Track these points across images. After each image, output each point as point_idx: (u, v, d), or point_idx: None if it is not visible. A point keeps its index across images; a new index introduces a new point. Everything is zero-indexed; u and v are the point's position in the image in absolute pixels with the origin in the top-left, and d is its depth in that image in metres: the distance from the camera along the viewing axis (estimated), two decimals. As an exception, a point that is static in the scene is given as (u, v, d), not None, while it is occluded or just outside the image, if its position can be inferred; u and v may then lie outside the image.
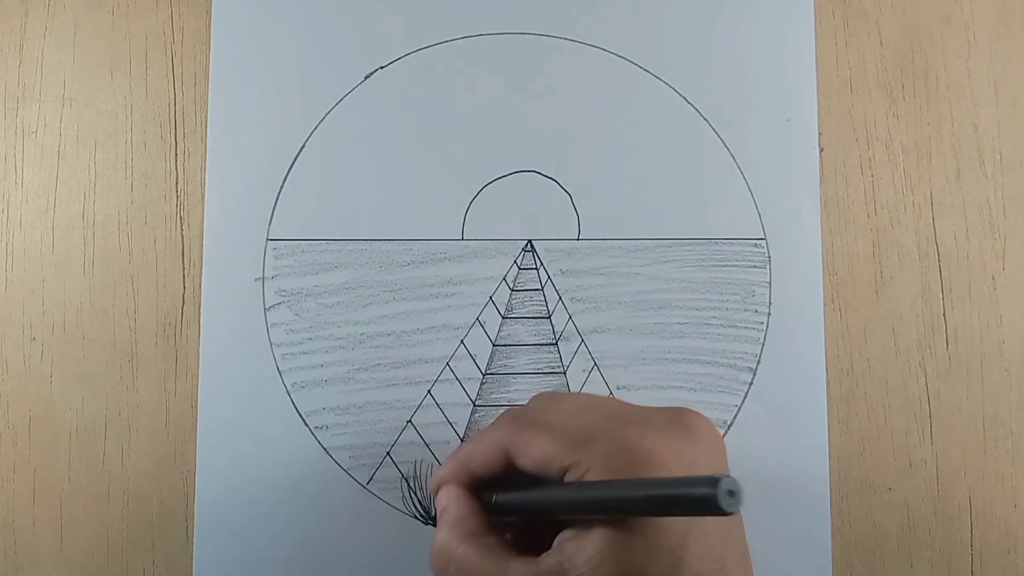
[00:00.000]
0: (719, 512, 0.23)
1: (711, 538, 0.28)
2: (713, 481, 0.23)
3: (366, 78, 0.43)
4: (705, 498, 0.23)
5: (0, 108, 0.42)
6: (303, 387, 0.41)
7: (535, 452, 0.30)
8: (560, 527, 0.29)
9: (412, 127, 0.43)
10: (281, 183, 0.42)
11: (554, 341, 0.42)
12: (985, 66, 0.44)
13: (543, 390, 0.41)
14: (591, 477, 0.28)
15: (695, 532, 0.28)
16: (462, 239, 0.42)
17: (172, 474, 0.40)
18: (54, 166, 0.42)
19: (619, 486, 0.27)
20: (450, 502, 0.32)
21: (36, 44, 0.43)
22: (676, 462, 0.28)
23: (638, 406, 0.33)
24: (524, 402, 0.41)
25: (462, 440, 0.41)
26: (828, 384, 0.42)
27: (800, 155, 0.43)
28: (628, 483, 0.27)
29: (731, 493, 0.23)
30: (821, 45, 0.44)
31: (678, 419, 0.31)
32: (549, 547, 0.29)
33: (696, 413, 0.32)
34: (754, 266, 0.42)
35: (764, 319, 0.42)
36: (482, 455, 0.32)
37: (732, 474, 0.25)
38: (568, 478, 0.29)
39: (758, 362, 0.42)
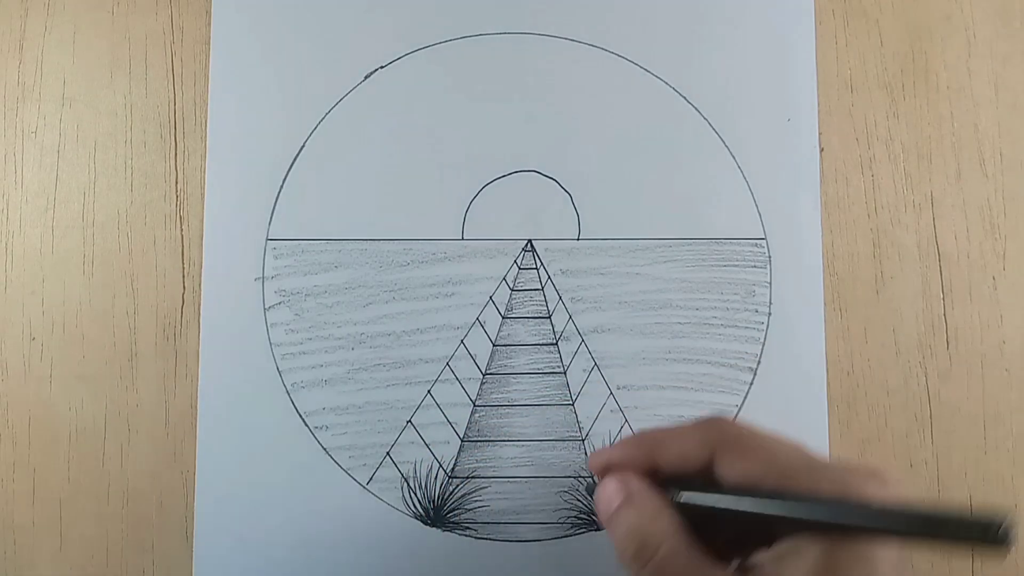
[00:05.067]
0: (1000, 545, 0.24)
1: None
2: (1001, 517, 0.24)
3: (366, 78, 0.43)
4: (992, 528, 0.24)
5: (0, 108, 0.42)
6: (303, 387, 0.41)
7: (742, 468, 0.28)
8: (742, 538, 0.28)
9: (412, 127, 0.43)
10: (281, 183, 0.42)
11: (554, 341, 0.42)
12: (985, 66, 0.44)
13: (541, 393, 0.41)
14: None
15: None
16: (462, 239, 0.42)
17: (172, 474, 0.40)
18: (54, 166, 0.42)
19: (899, 508, 0.26)
20: (662, 544, 0.29)
21: (36, 44, 0.43)
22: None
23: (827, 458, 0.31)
24: (525, 403, 0.41)
25: (462, 441, 0.41)
26: (828, 384, 0.42)
27: (800, 155, 0.43)
28: (905, 507, 0.26)
29: (1008, 531, 0.24)
30: (821, 45, 0.44)
31: (872, 474, 0.29)
32: (722, 555, 0.28)
33: (886, 474, 0.29)
34: (754, 266, 0.42)
35: (764, 319, 0.42)
36: (679, 448, 0.30)
37: None
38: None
39: (758, 362, 0.42)
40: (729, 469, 0.29)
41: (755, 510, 0.28)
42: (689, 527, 0.29)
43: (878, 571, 0.26)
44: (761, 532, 0.28)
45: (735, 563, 0.29)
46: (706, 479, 0.29)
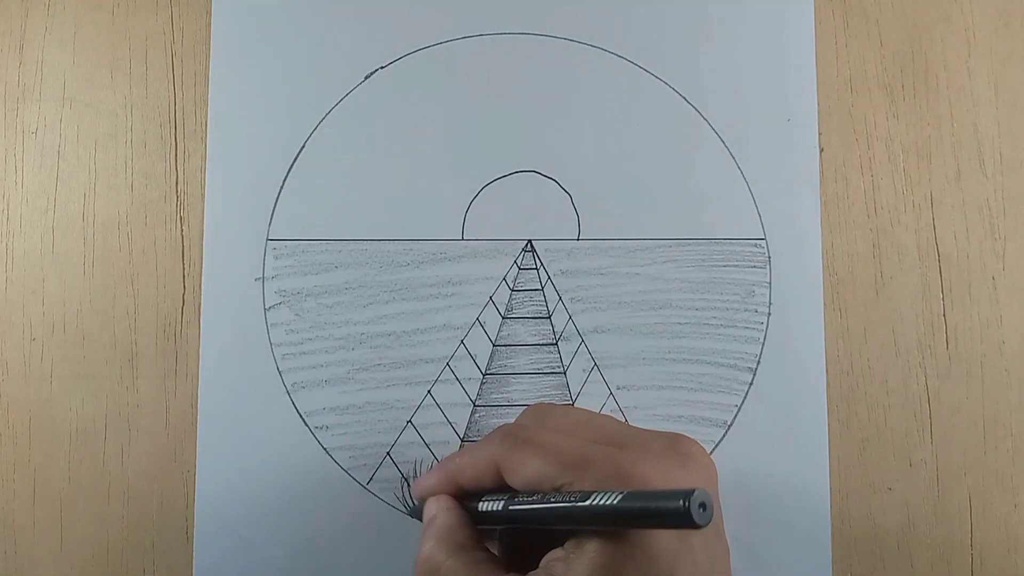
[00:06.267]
0: (692, 525, 0.24)
1: (700, 567, 0.28)
2: (686, 494, 0.24)
3: (366, 78, 0.43)
4: (678, 511, 0.24)
5: (0, 108, 0.42)
6: (303, 387, 0.41)
7: (527, 471, 0.30)
8: (546, 544, 0.29)
9: (412, 127, 0.43)
10: (281, 183, 0.42)
11: (554, 341, 0.42)
12: (985, 66, 0.44)
13: (541, 393, 0.41)
14: None
15: (685, 561, 0.28)
16: (462, 239, 0.42)
17: (172, 474, 0.40)
18: (54, 166, 0.42)
19: (598, 498, 0.27)
20: (439, 512, 0.32)
21: (36, 44, 0.43)
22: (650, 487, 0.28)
23: (633, 428, 0.33)
24: (525, 402, 0.41)
25: (462, 441, 0.41)
26: (828, 384, 0.42)
27: (800, 155, 0.43)
28: (607, 495, 0.27)
29: (703, 506, 0.24)
30: (821, 45, 0.44)
31: (673, 446, 0.31)
32: (534, 564, 0.29)
33: (691, 440, 0.32)
34: (754, 266, 0.42)
35: (764, 319, 0.42)
36: (472, 469, 0.32)
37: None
38: None
39: (758, 362, 0.42)
40: (516, 477, 0.30)
41: (505, 513, 0.30)
42: (480, 541, 0.31)
43: (655, 560, 0.27)
44: (562, 534, 0.29)
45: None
46: (508, 491, 0.31)
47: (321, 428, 0.41)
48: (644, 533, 0.28)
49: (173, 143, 0.42)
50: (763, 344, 0.42)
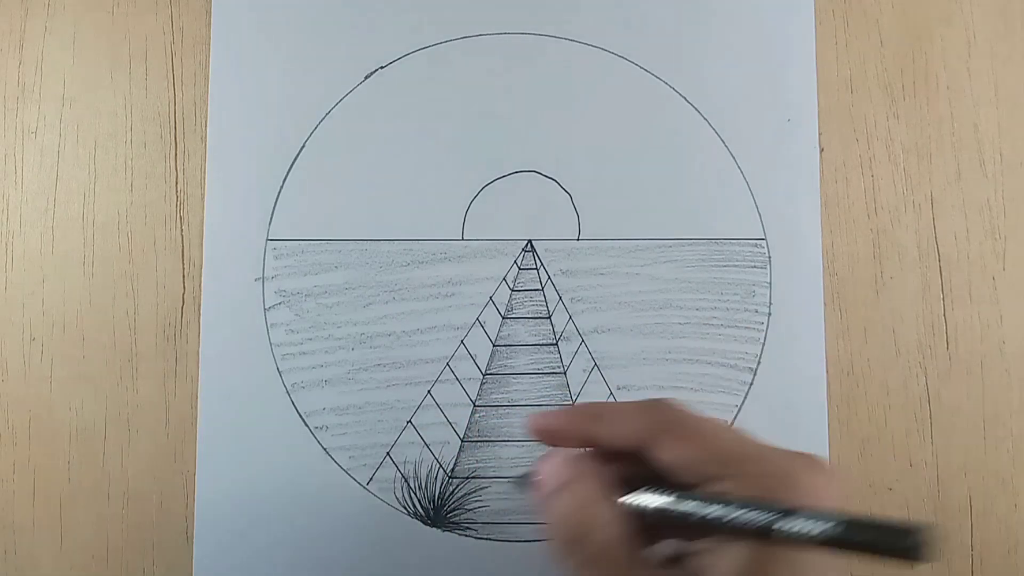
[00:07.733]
0: (912, 560, 0.23)
1: None
2: (918, 530, 0.23)
3: (366, 78, 0.43)
4: (906, 547, 0.23)
5: (0, 108, 0.42)
6: (303, 387, 0.41)
7: (679, 454, 0.28)
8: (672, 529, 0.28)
9: (412, 127, 0.43)
10: (281, 183, 0.42)
11: (554, 341, 0.42)
12: (985, 66, 0.44)
13: (541, 393, 0.41)
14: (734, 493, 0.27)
15: None
16: (462, 239, 0.42)
17: (172, 474, 0.40)
18: (54, 166, 0.42)
19: (804, 522, 0.26)
20: (595, 464, 0.29)
21: (36, 44, 0.43)
22: (817, 500, 0.27)
23: (771, 444, 0.31)
24: (525, 403, 0.41)
25: (462, 441, 0.41)
26: (828, 384, 0.42)
27: (800, 155, 0.43)
28: (816, 519, 0.26)
29: (925, 544, 0.23)
30: (821, 45, 0.44)
31: (816, 464, 0.29)
32: (646, 542, 0.28)
33: (827, 463, 0.30)
34: (754, 266, 0.42)
35: (764, 319, 0.42)
36: (618, 431, 0.29)
37: None
38: (703, 490, 0.27)
39: (758, 362, 0.42)
40: (665, 452, 0.28)
41: (679, 509, 0.28)
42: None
43: (802, 572, 0.26)
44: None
45: (659, 546, 0.28)
46: (639, 459, 0.29)
47: (321, 428, 0.41)
48: (793, 547, 0.26)
49: (173, 143, 0.42)
50: (763, 344, 0.42)
